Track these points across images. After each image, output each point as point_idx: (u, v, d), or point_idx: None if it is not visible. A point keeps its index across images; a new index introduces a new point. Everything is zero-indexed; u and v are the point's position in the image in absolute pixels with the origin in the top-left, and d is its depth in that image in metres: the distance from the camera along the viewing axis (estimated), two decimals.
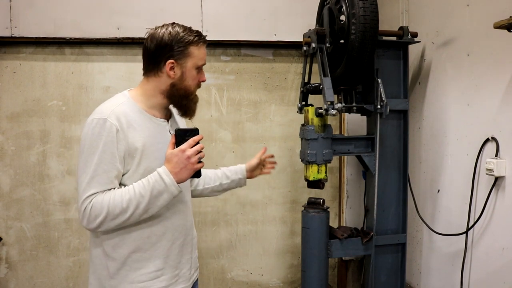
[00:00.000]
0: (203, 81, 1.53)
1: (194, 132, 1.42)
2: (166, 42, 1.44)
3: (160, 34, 1.46)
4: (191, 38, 1.45)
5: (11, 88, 2.67)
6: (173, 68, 1.45)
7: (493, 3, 1.96)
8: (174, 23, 1.48)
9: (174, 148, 1.40)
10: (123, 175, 1.42)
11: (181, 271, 1.56)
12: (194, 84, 1.50)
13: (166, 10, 2.72)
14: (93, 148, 1.37)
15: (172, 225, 1.51)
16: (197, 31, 1.49)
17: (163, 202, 1.40)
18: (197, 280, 1.71)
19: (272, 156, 1.93)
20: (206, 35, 1.53)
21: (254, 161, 1.88)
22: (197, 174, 1.44)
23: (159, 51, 1.46)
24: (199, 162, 1.42)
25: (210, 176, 1.84)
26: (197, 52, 1.46)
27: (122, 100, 1.47)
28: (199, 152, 1.40)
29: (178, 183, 1.39)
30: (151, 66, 1.49)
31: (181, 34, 1.45)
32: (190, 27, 1.49)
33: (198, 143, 1.41)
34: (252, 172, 1.88)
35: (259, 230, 3.02)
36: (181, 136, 1.41)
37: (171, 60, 1.45)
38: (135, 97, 1.49)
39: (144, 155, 1.42)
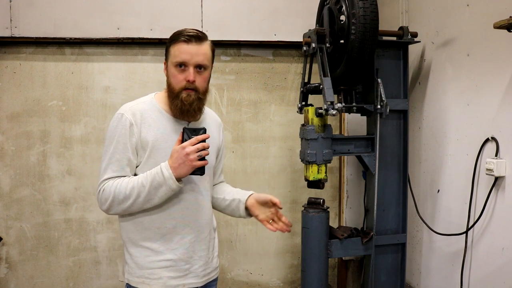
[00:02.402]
0: (189, 80, 1.51)
1: (201, 131, 1.49)
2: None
3: None
4: (172, 38, 1.54)
5: (11, 88, 2.67)
6: (165, 68, 1.59)
7: (493, 3, 1.96)
8: (186, 28, 1.57)
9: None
10: (136, 167, 1.55)
11: (193, 266, 1.60)
12: (176, 82, 1.52)
13: (166, 10, 2.72)
14: (110, 139, 1.53)
15: (183, 220, 1.57)
16: (183, 31, 1.53)
17: (163, 195, 1.48)
18: (214, 280, 1.73)
19: (280, 208, 1.67)
20: (190, 33, 1.52)
21: (263, 196, 1.69)
22: (198, 171, 1.49)
23: None
24: (203, 160, 1.47)
25: (223, 189, 1.82)
26: (172, 50, 1.53)
27: (144, 99, 1.60)
28: (201, 150, 1.45)
29: (177, 178, 1.46)
30: None
31: (170, 36, 1.56)
32: (186, 29, 1.54)
33: (205, 141, 1.47)
34: (256, 206, 1.68)
35: (259, 230, 3.01)
36: (187, 135, 1.48)
37: (164, 61, 1.59)
38: (159, 98, 1.61)
39: (154, 149, 1.53)
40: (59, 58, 2.72)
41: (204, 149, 1.46)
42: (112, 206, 1.51)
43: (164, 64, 1.60)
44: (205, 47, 1.54)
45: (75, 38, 2.65)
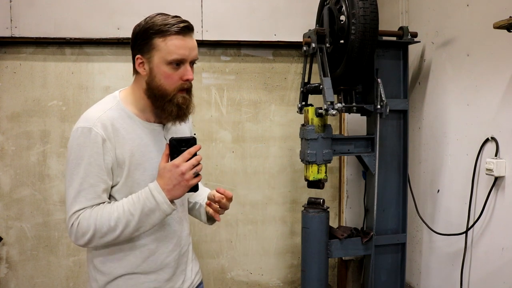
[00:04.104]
0: (187, 80, 1.30)
1: (191, 142, 1.28)
2: (135, 34, 1.31)
3: (137, 24, 1.32)
4: (157, 28, 1.26)
5: (11, 88, 2.67)
6: (143, 64, 1.31)
7: (493, 3, 1.96)
8: (162, 13, 1.33)
9: (168, 160, 1.27)
10: (112, 187, 1.33)
11: (176, 283, 1.46)
12: (170, 82, 1.29)
13: (166, 10, 2.67)
14: (78, 159, 1.27)
15: (166, 237, 1.40)
16: (169, 21, 1.29)
17: (155, 221, 1.28)
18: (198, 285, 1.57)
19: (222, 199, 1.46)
20: (182, 24, 1.30)
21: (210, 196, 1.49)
22: (193, 189, 1.30)
23: (131, 45, 1.34)
24: (197, 175, 1.27)
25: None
26: (163, 45, 1.26)
27: (110, 104, 1.34)
28: (196, 165, 1.26)
29: (171, 201, 1.27)
30: (132, 62, 1.36)
31: (149, 24, 1.28)
32: (176, 17, 1.31)
33: (196, 154, 1.27)
34: (211, 204, 1.48)
35: (259, 230, 3.02)
36: (176, 147, 1.26)
37: (138, 55, 1.31)
38: (125, 99, 1.36)
39: (133, 166, 1.31)
40: (59, 58, 2.72)
41: (198, 163, 1.26)
42: (93, 240, 1.27)
43: (139, 58, 1.30)
44: (194, 39, 1.34)
45: (75, 38, 2.65)
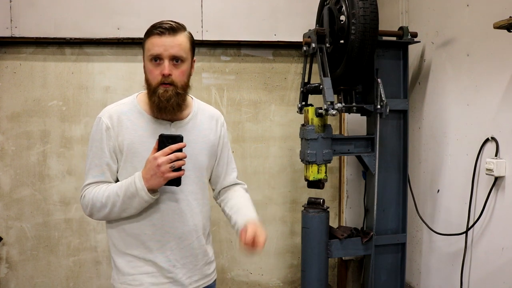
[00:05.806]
0: (164, 74, 1.41)
1: (176, 139, 1.37)
2: None
3: None
4: (147, 31, 1.46)
5: (11, 88, 2.67)
6: (143, 65, 1.50)
7: (493, 3, 1.96)
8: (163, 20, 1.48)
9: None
10: (117, 171, 1.50)
11: (177, 275, 1.52)
12: (152, 77, 1.43)
13: (166, 10, 2.72)
14: (90, 143, 1.50)
15: (163, 227, 1.49)
16: (157, 24, 1.43)
17: (137, 205, 1.43)
18: None
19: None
20: (164, 25, 1.42)
21: (250, 232, 1.46)
22: (173, 182, 1.39)
23: None
24: (178, 170, 1.37)
25: (230, 204, 1.66)
26: (146, 44, 1.45)
27: (125, 101, 1.54)
28: (176, 160, 1.36)
29: (149, 189, 1.38)
30: None
31: (147, 30, 1.46)
32: (161, 22, 1.44)
33: (181, 150, 1.37)
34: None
35: None
36: (163, 142, 1.36)
37: (143, 58, 1.51)
38: (141, 98, 1.53)
39: (130, 153, 1.46)
40: (59, 58, 2.72)
41: (179, 159, 1.36)
42: (93, 213, 1.48)
43: (142, 61, 1.51)
44: (181, 38, 1.43)
45: (75, 38, 2.65)
